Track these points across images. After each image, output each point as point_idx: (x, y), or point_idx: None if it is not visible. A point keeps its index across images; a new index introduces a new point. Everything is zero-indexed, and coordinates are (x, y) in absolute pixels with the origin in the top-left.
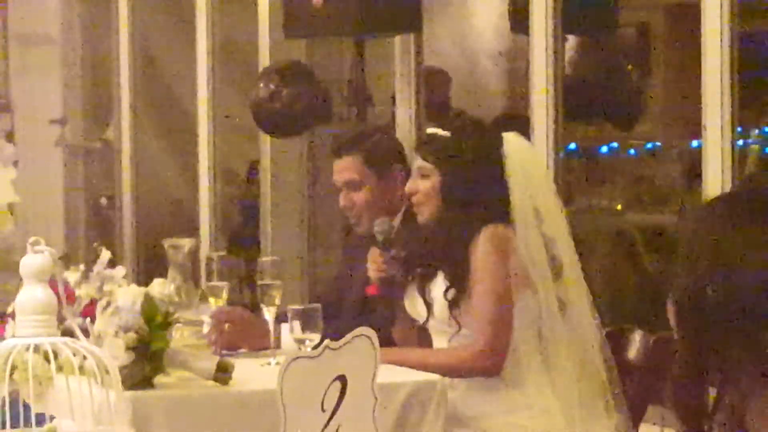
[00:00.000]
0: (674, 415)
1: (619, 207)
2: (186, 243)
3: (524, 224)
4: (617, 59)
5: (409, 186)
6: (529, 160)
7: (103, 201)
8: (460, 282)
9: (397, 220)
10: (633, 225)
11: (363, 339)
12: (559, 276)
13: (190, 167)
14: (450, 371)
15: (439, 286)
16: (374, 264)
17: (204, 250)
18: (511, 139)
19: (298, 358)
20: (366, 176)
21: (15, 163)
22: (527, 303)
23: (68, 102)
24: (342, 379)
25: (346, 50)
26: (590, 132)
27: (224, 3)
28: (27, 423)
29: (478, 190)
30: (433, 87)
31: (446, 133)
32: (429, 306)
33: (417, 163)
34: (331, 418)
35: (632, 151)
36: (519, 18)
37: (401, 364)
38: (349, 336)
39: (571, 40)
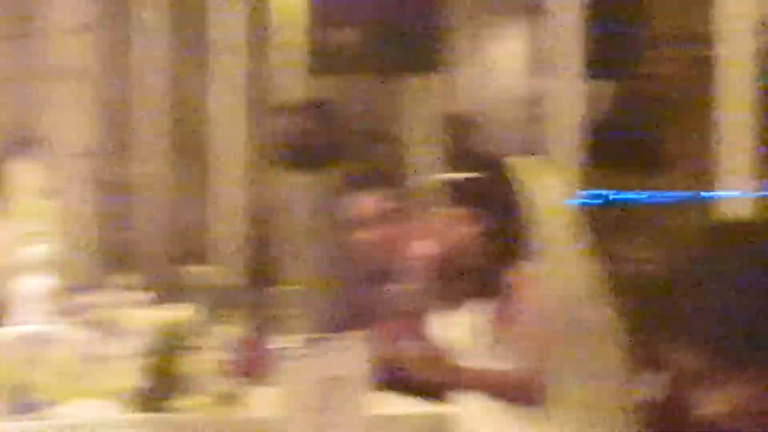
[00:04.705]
0: None
1: (642, 255)
2: (205, 271)
3: (546, 250)
4: (642, 106)
5: (444, 234)
6: (540, 182)
7: (129, 236)
8: (496, 311)
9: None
10: (657, 272)
11: (354, 343)
12: (580, 300)
13: (215, 203)
14: (504, 393)
15: (471, 315)
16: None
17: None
18: (521, 165)
19: (293, 358)
20: (395, 210)
21: (54, 194)
22: (557, 336)
23: (95, 135)
24: (335, 379)
25: (368, 88)
26: (613, 179)
27: (250, 40)
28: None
29: (510, 223)
30: (459, 131)
31: (471, 175)
32: (457, 336)
33: (447, 210)
34: (324, 415)
35: (655, 200)
36: (542, 62)
37: (455, 381)
38: (342, 338)
39: (595, 85)
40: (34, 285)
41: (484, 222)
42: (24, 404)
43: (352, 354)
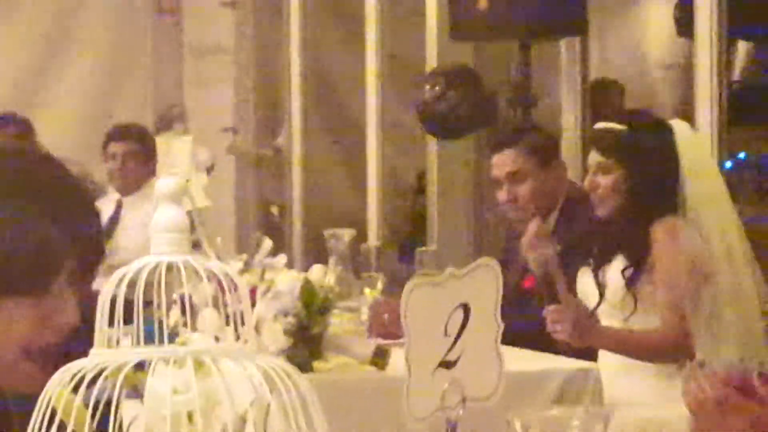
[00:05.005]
0: None
1: None
2: (346, 233)
3: (699, 213)
4: None
5: (590, 182)
6: (697, 147)
7: (274, 210)
8: (639, 266)
9: (554, 216)
10: None
11: (486, 268)
12: (731, 262)
13: (359, 175)
14: (646, 354)
15: (615, 268)
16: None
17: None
18: (680, 127)
19: (422, 283)
20: (529, 168)
21: (209, 169)
22: (701, 293)
23: (240, 111)
24: (465, 306)
25: (512, 53)
26: (760, 140)
27: (393, 12)
28: (161, 339)
29: (658, 182)
30: (605, 98)
31: (622, 127)
32: (602, 290)
33: (594, 158)
34: (454, 343)
35: None
36: (686, 22)
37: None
38: (472, 265)
39: (742, 45)
40: (170, 214)
41: (633, 174)
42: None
43: (482, 280)
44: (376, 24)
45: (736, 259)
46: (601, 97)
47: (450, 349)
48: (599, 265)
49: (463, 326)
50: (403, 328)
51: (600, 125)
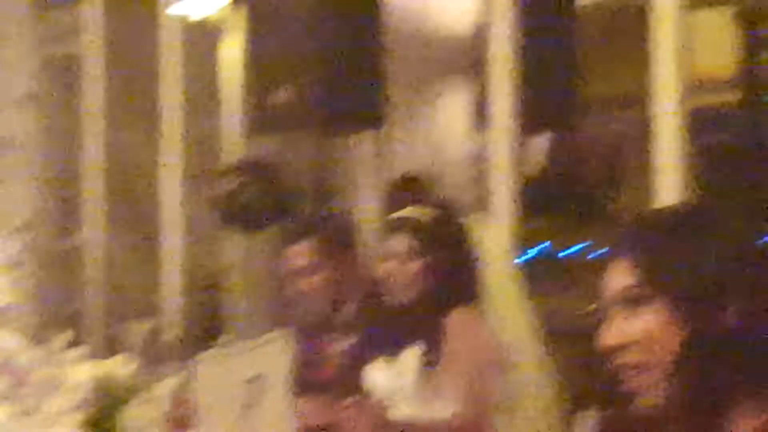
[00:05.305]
0: None
1: (591, 308)
2: (143, 326)
3: (495, 304)
4: (583, 159)
5: (388, 268)
6: (493, 239)
7: (72, 296)
8: (435, 354)
9: (352, 307)
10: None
11: (277, 340)
12: (525, 353)
13: (160, 264)
14: None
15: (412, 356)
16: None
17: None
18: (477, 219)
19: (211, 356)
20: (324, 260)
21: (11, 267)
22: (494, 383)
23: (38, 207)
24: (258, 378)
25: (312, 145)
26: (552, 232)
27: (193, 103)
28: None
29: (457, 271)
30: (405, 190)
31: (424, 215)
32: (398, 380)
33: (394, 245)
34: (247, 416)
35: (592, 251)
36: (482, 117)
37: None
38: (264, 337)
39: (537, 140)
40: None
41: (433, 261)
42: None
43: (274, 352)
44: (174, 116)
45: (530, 350)
46: (401, 189)
47: (243, 423)
48: (396, 353)
49: (256, 399)
50: (193, 403)
51: (402, 212)
